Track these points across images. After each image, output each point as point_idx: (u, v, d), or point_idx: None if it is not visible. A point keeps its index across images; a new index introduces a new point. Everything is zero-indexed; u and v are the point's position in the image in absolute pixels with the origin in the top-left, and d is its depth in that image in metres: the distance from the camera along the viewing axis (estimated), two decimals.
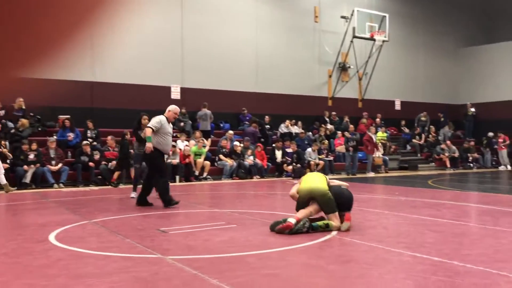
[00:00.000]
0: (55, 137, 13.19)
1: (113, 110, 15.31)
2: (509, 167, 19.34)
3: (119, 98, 15.51)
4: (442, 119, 22.00)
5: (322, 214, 5.71)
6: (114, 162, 12.59)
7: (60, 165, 12.22)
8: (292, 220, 5.19)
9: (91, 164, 12.53)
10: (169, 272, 3.72)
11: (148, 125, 7.86)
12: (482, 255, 4.30)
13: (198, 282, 3.43)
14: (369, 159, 16.61)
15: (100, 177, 12.59)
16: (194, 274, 3.63)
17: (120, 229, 5.70)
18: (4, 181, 10.68)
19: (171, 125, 8.12)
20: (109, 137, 13.21)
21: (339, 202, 5.44)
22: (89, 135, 13.86)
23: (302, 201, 5.52)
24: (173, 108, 8.14)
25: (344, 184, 5.87)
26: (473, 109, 22.30)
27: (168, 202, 7.62)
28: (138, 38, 15.90)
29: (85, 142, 13.05)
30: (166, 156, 11.81)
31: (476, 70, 23.58)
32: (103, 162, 12.66)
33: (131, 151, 10.85)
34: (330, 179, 5.89)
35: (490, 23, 25.33)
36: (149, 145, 7.66)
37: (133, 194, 9.06)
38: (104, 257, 4.24)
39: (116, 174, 12.11)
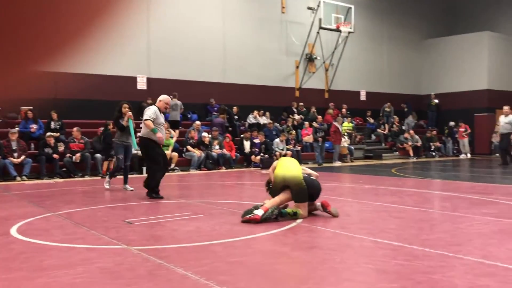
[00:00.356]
0: (17, 128, 12.85)
1: (78, 101, 15.02)
2: (469, 155, 20.03)
3: (84, 88, 15.20)
4: (406, 109, 22.53)
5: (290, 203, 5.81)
6: (78, 155, 12.37)
7: (22, 157, 11.92)
8: (259, 212, 5.25)
9: (55, 156, 12.28)
10: (134, 262, 3.72)
11: (145, 118, 7.76)
12: (439, 239, 4.47)
13: (163, 271, 3.45)
14: (335, 149, 16.88)
15: (64, 169, 12.36)
16: (159, 263, 3.65)
17: (85, 221, 5.64)
18: None
19: (162, 115, 8.06)
20: (75, 129, 12.96)
21: (310, 193, 5.54)
22: (53, 126, 13.56)
23: (276, 188, 5.59)
24: (164, 98, 8.07)
25: (314, 173, 5.97)
26: (436, 100, 22.91)
27: (152, 191, 7.63)
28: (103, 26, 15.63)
29: (48, 133, 12.76)
30: (134, 149, 11.77)
31: (439, 61, 24.21)
32: (68, 155, 12.41)
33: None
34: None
35: (453, 15, 26.01)
36: (159, 134, 7.64)
37: (107, 185, 9.12)
38: (68, 249, 4.20)
39: (105, 165, 12.16)
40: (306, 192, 5.47)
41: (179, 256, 3.92)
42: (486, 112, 21.78)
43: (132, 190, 8.88)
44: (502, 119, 14.24)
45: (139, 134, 8.24)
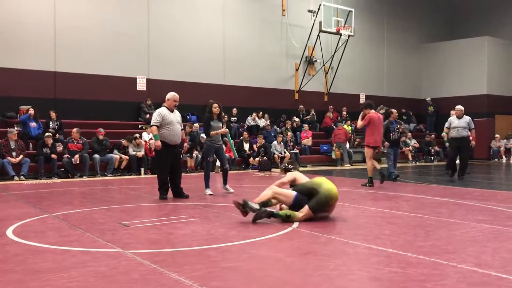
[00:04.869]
0: (16, 128, 12.87)
1: (77, 101, 15.04)
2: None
3: (83, 88, 15.23)
4: (405, 117, 22.26)
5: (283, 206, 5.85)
6: (77, 156, 12.37)
7: (20, 157, 11.93)
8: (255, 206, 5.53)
9: (53, 156, 12.29)
10: (128, 266, 3.73)
11: (151, 124, 7.79)
12: (434, 246, 4.48)
13: (157, 275, 3.46)
14: (344, 150, 17.00)
15: (63, 169, 12.37)
16: (154, 268, 3.65)
17: (81, 223, 5.65)
18: None
19: (176, 111, 7.94)
20: (74, 129, 12.96)
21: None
22: (51, 126, 13.58)
23: (309, 192, 5.66)
24: (171, 96, 7.91)
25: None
26: (432, 104, 22.86)
27: (160, 192, 7.85)
28: (103, 28, 15.65)
29: (47, 133, 12.77)
30: (133, 149, 11.68)
31: (438, 66, 24.24)
32: (66, 155, 12.42)
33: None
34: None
35: (453, 20, 26.05)
36: (157, 143, 7.64)
37: (209, 191, 8.51)
38: (62, 252, 4.20)
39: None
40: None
41: (174, 260, 3.92)
42: (485, 117, 21.78)
43: (232, 192, 8.60)
44: (457, 122, 11.58)
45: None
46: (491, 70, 22.68)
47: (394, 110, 11.95)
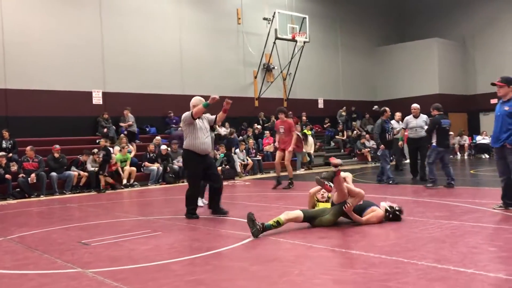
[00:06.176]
0: None
1: (31, 118, 14.57)
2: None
3: (36, 105, 14.76)
4: (378, 109, 22.66)
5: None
6: (33, 175, 11.96)
7: None
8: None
9: (7, 176, 11.83)
10: (90, 286, 3.62)
11: (191, 112, 6.82)
12: (395, 245, 4.58)
13: None
14: (298, 157, 17.02)
15: (18, 189, 11.92)
16: (116, 286, 3.57)
17: (38, 244, 5.45)
18: None
19: (204, 118, 7.09)
20: (28, 148, 12.51)
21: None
22: (4, 145, 13.09)
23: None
24: (197, 100, 6.95)
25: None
26: (376, 107, 23.20)
27: (188, 212, 6.83)
28: (54, 41, 15.25)
29: (0, 153, 12.29)
30: (91, 165, 11.12)
31: (391, 68, 24.95)
32: (21, 175, 11.99)
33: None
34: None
35: (404, 23, 26.91)
36: (210, 100, 6.66)
37: (200, 202, 7.96)
38: (19, 276, 4.04)
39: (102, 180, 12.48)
40: None
41: (137, 277, 3.84)
42: None
43: (202, 206, 7.91)
44: (415, 122, 11.34)
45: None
46: (442, 70, 23.51)
47: (387, 109, 11.11)
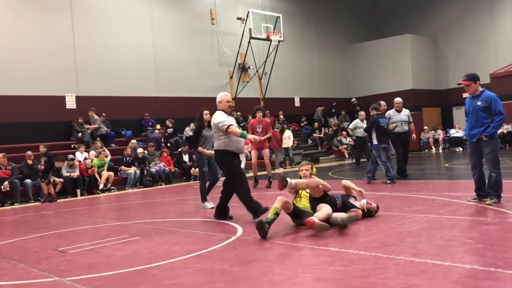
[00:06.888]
0: None
1: (2, 125, 14.23)
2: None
3: (8, 111, 14.42)
4: (356, 104, 22.92)
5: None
6: (6, 183, 11.68)
7: None
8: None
9: None
10: None
11: (224, 124, 6.39)
12: (374, 241, 4.61)
13: None
14: (277, 156, 17.03)
15: None
16: None
17: (13, 254, 5.32)
18: None
19: (232, 118, 6.79)
20: (0, 155, 12.22)
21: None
22: None
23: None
24: (222, 97, 6.67)
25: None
26: (357, 103, 23.41)
27: (255, 211, 6.27)
28: (24, 45, 14.93)
29: None
30: (66, 170, 10.95)
31: (365, 65, 25.21)
32: None
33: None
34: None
35: (377, 20, 27.24)
36: (249, 136, 6.54)
37: (207, 204, 7.96)
38: None
39: (44, 188, 12.01)
40: None
41: (115, 283, 3.78)
42: (412, 111, 22.60)
43: (212, 207, 7.58)
44: (398, 116, 10.76)
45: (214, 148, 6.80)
46: (415, 66, 23.87)
47: (382, 102, 10.73)
